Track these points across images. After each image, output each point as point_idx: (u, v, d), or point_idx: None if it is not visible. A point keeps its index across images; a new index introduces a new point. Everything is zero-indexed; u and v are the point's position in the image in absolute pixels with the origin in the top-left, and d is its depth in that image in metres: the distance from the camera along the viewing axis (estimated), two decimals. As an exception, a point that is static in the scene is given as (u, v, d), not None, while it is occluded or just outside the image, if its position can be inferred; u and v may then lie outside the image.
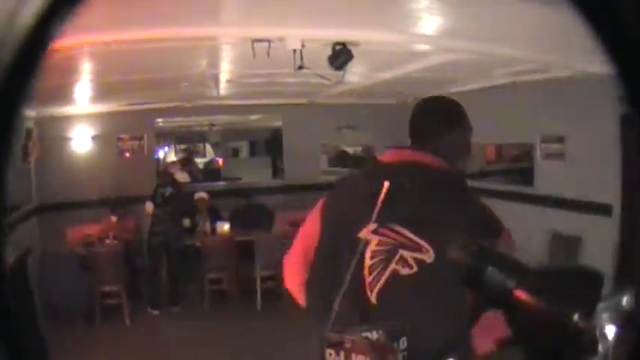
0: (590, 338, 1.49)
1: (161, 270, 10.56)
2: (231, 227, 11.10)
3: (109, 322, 9.59)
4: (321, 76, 7.02)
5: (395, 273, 2.57)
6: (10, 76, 0.87)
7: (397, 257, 2.59)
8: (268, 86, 9.49)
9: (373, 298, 2.59)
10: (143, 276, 10.67)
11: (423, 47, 6.78)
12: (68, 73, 6.85)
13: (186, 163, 19.08)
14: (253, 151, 21.82)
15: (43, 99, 8.06)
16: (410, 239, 2.59)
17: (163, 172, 11.56)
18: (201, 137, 21.06)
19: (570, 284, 1.43)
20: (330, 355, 2.44)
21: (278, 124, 14.15)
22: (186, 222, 10.75)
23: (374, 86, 9.90)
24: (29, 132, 9.90)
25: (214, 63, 7.54)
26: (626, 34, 0.85)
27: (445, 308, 2.45)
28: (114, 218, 10.89)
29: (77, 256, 9.92)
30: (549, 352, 1.38)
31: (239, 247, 10.62)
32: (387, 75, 8.75)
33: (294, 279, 2.93)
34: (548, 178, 9.45)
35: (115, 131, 11.85)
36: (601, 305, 1.49)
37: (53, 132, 11.08)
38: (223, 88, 9.83)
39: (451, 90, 10.78)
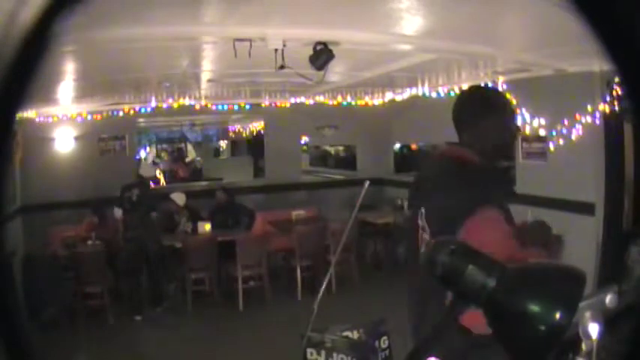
0: (573, 337, 1.50)
1: (140, 275, 10.46)
2: (212, 227, 11.06)
3: (92, 323, 9.54)
4: (303, 76, 7.01)
5: None
6: (11, 76, 0.87)
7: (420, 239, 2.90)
8: (250, 86, 9.48)
9: None
10: (122, 281, 10.60)
11: (404, 47, 6.79)
12: (50, 74, 6.81)
13: (177, 160, 19.14)
14: (234, 151, 21.84)
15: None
16: (421, 224, 2.90)
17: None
18: (183, 137, 21.07)
19: (552, 283, 1.43)
20: (312, 354, 2.44)
21: (259, 123, 14.14)
22: (154, 215, 10.50)
23: (355, 86, 9.91)
24: (14, 133, 9.81)
25: (196, 63, 7.53)
26: (625, 34, 0.85)
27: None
28: (95, 219, 10.81)
29: (60, 257, 9.87)
30: (531, 352, 1.37)
31: (220, 247, 10.57)
32: (368, 74, 8.76)
33: None
34: (530, 177, 9.48)
35: (97, 131, 11.79)
36: (583, 304, 1.49)
37: (36, 132, 11.01)
38: (205, 88, 9.82)
39: (431, 90, 10.83)
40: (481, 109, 3.08)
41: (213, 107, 12.63)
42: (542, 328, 1.31)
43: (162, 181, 16.54)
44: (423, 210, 2.96)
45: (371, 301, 9.37)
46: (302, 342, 2.40)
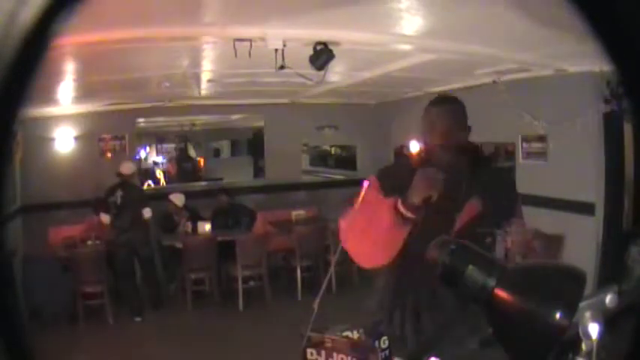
0: (573, 337, 1.49)
1: (135, 278, 10.43)
2: (212, 227, 11.05)
3: (92, 323, 9.54)
4: (303, 76, 7.02)
5: None
6: (11, 76, 0.86)
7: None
8: (250, 86, 9.47)
9: None
10: (120, 284, 10.59)
11: (404, 47, 6.79)
12: (50, 74, 6.81)
13: (183, 159, 19.08)
14: (235, 151, 21.80)
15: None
16: None
17: (144, 171, 11.29)
18: (183, 137, 21.02)
19: (552, 283, 1.43)
20: (312, 354, 2.44)
21: (259, 123, 14.12)
22: (147, 212, 10.44)
23: (355, 86, 9.90)
24: (14, 133, 9.79)
25: (196, 63, 7.52)
26: (625, 34, 0.85)
27: None
28: (97, 219, 10.79)
29: (60, 257, 9.87)
30: (531, 352, 1.37)
31: (220, 247, 10.56)
32: (368, 75, 8.76)
33: None
34: (530, 177, 9.47)
35: (97, 131, 11.78)
36: (583, 304, 1.49)
37: (36, 132, 10.99)
38: (205, 88, 9.81)
39: (432, 89, 10.83)
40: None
41: (213, 107, 12.63)
42: (543, 327, 1.31)
43: (163, 181, 16.54)
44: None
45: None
46: (302, 342, 2.40)
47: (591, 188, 8.23)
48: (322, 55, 6.11)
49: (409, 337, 3.18)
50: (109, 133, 11.91)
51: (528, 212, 9.22)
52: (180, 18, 5.13)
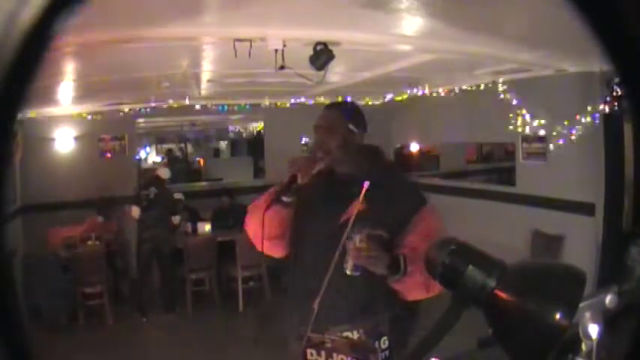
0: (573, 337, 1.49)
1: (151, 276, 10.45)
2: (212, 227, 11.06)
3: (92, 323, 9.55)
4: (303, 76, 7.01)
5: None
6: (10, 77, 0.86)
7: None
8: (250, 86, 9.47)
9: None
10: (133, 283, 10.59)
11: (404, 47, 6.79)
12: (50, 74, 6.80)
13: (181, 162, 19.07)
14: (234, 151, 21.82)
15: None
16: None
17: (144, 171, 11.32)
18: (183, 137, 21.05)
19: (552, 283, 1.43)
20: (312, 354, 2.44)
21: (259, 124, 14.12)
22: (176, 219, 10.53)
23: (355, 86, 9.90)
24: (14, 133, 9.77)
25: (196, 63, 7.51)
26: (625, 34, 0.85)
27: None
28: (100, 219, 10.81)
29: (60, 257, 9.87)
30: (531, 352, 1.37)
31: (220, 247, 10.55)
32: (368, 75, 8.76)
33: None
34: (530, 177, 9.48)
35: (97, 132, 11.77)
36: (583, 304, 1.49)
37: (36, 132, 10.98)
38: (204, 88, 9.80)
39: (432, 90, 10.84)
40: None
41: (213, 107, 12.63)
42: (542, 328, 1.31)
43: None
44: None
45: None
46: (302, 342, 2.40)
47: (591, 188, 8.24)
48: (322, 56, 6.10)
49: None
50: (109, 133, 11.90)
51: (528, 212, 9.30)
52: (180, 18, 5.13)
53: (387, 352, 2.52)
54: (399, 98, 12.51)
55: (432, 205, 3.46)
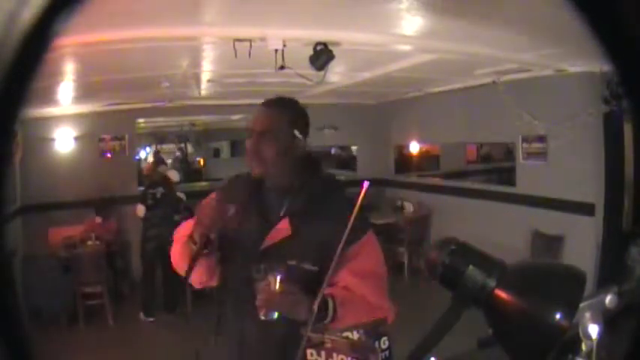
0: (573, 337, 1.49)
1: (155, 276, 10.44)
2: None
3: (92, 323, 9.55)
4: (303, 76, 7.01)
5: None
6: (10, 77, 0.86)
7: None
8: (250, 86, 9.47)
9: None
10: (139, 282, 10.58)
11: (405, 47, 6.79)
12: (50, 74, 6.81)
13: (182, 162, 19.05)
14: (234, 151, 21.81)
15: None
16: None
17: (152, 171, 11.31)
18: (183, 137, 21.05)
19: (552, 283, 1.43)
20: (312, 354, 2.44)
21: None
22: (176, 218, 10.46)
23: (355, 86, 9.90)
24: (14, 133, 9.76)
25: (196, 63, 7.52)
26: (625, 34, 0.85)
27: None
28: (99, 219, 10.80)
29: (59, 257, 9.87)
30: (531, 352, 1.37)
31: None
32: (368, 75, 8.76)
33: None
34: (530, 177, 9.48)
35: (97, 132, 11.77)
36: (583, 304, 1.49)
37: (36, 132, 10.98)
38: (204, 88, 9.81)
39: (432, 90, 10.84)
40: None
41: (213, 107, 12.63)
42: (542, 328, 1.31)
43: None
44: None
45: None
46: (302, 342, 2.40)
47: (591, 188, 8.24)
48: (322, 56, 6.10)
49: None
50: (109, 133, 11.89)
51: (528, 212, 9.30)
52: (180, 18, 5.13)
53: (387, 352, 2.51)
54: (399, 98, 12.52)
55: (373, 234, 2.86)
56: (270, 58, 6.29)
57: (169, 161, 19.63)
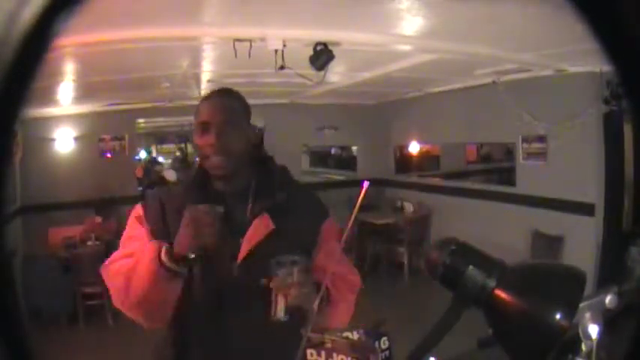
0: (573, 337, 1.49)
1: None
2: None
3: (92, 323, 9.54)
4: (303, 76, 7.01)
5: None
6: (11, 77, 0.86)
7: None
8: (250, 86, 9.47)
9: None
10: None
11: (405, 47, 6.79)
12: (50, 74, 6.81)
13: (182, 162, 19.04)
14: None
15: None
16: None
17: (142, 175, 11.31)
18: (183, 137, 21.06)
19: (552, 283, 1.43)
20: (312, 355, 2.44)
21: (259, 124, 14.10)
22: None
23: (355, 86, 9.91)
24: (14, 133, 9.75)
25: (196, 63, 7.52)
26: (625, 34, 0.85)
27: None
28: (99, 219, 10.80)
29: (59, 257, 9.87)
30: (531, 352, 1.37)
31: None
32: (368, 75, 8.76)
33: None
34: (530, 177, 9.48)
35: (97, 132, 11.77)
36: (583, 304, 1.49)
37: (36, 132, 10.98)
38: (205, 88, 9.81)
39: (432, 90, 10.84)
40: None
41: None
42: (542, 328, 1.31)
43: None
44: None
45: (371, 301, 9.38)
46: (302, 342, 2.39)
47: (591, 188, 8.24)
48: (322, 56, 6.11)
49: None
50: (109, 133, 11.89)
51: (528, 212, 9.29)
52: (180, 18, 5.13)
53: (387, 352, 2.50)
54: (399, 98, 12.53)
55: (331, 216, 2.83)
56: (270, 58, 6.29)
57: (169, 161, 19.65)
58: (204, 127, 2.54)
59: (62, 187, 11.07)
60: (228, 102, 2.64)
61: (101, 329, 9.40)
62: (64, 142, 11.50)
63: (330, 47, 6.08)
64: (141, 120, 13.11)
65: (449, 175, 13.35)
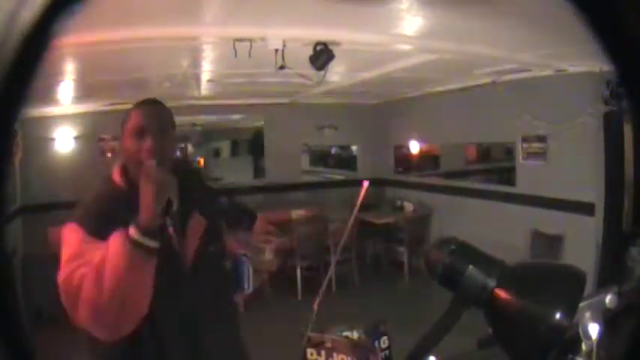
0: (573, 337, 1.49)
1: None
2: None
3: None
4: (303, 76, 7.01)
5: None
6: (11, 77, 0.86)
7: None
8: (250, 86, 9.47)
9: None
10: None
11: (405, 47, 6.79)
12: (50, 74, 6.80)
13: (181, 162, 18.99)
14: (235, 151, 21.80)
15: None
16: None
17: None
18: (183, 137, 21.03)
19: (552, 283, 1.43)
20: (312, 354, 2.44)
21: (259, 123, 14.11)
22: None
23: (355, 86, 9.90)
24: (14, 133, 9.74)
25: (196, 63, 7.52)
26: (625, 34, 0.85)
27: None
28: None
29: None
30: (531, 352, 1.37)
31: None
32: (368, 75, 8.76)
33: None
34: (530, 177, 9.48)
35: (97, 132, 11.76)
36: (583, 304, 1.49)
37: (36, 132, 10.97)
38: (205, 88, 9.81)
39: (432, 90, 10.83)
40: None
41: (214, 107, 12.63)
42: (542, 328, 1.31)
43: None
44: None
45: (371, 301, 9.38)
46: (302, 342, 2.40)
47: (591, 188, 8.23)
48: (322, 56, 6.10)
49: None
50: (109, 133, 11.87)
51: (528, 212, 9.29)
52: (180, 18, 5.13)
53: (387, 352, 2.51)
54: (399, 98, 12.53)
55: None
56: (270, 58, 6.29)
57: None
58: (139, 132, 2.65)
59: (62, 187, 11.05)
60: (161, 110, 2.81)
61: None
62: (64, 141, 11.49)
63: (330, 47, 6.08)
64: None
65: (449, 175, 13.34)
